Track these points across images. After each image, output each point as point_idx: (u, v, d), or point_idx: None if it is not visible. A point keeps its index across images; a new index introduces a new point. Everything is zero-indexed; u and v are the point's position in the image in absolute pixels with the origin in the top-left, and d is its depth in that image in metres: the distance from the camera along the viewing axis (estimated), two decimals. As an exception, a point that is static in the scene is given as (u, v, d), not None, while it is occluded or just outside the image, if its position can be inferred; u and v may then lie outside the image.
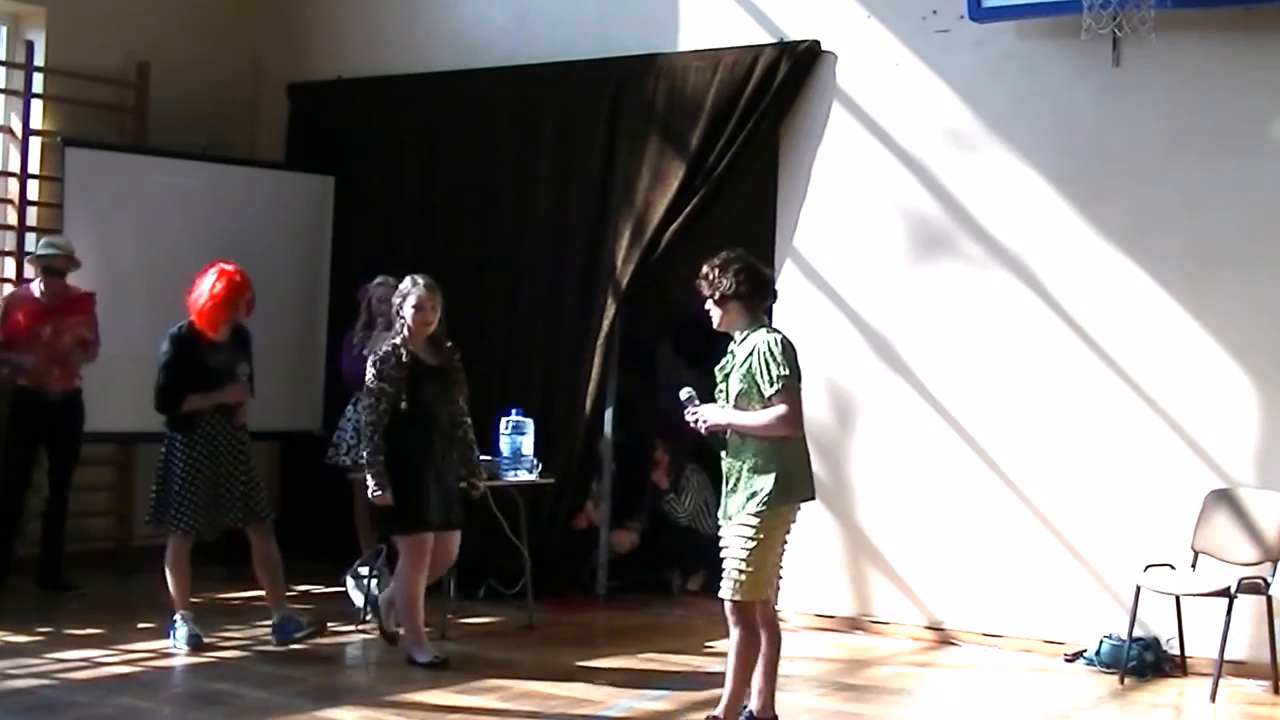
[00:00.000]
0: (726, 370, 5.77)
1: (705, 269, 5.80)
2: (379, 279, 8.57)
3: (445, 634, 7.62)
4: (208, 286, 7.17)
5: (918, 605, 8.07)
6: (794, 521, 5.77)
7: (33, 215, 9.15)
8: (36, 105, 9.19)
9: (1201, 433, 7.41)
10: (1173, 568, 7.19)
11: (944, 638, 7.96)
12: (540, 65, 9.23)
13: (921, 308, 8.10)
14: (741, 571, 5.60)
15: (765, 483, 5.59)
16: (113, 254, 8.84)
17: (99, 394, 8.57)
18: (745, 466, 5.65)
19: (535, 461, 8.09)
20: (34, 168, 9.16)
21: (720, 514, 5.77)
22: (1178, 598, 7.16)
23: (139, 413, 8.48)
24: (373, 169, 9.77)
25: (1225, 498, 7.23)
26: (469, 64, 9.51)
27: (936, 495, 7.99)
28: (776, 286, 5.97)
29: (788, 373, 5.59)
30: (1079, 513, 7.66)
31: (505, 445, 8.01)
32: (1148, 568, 7.14)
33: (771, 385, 5.59)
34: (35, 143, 9.16)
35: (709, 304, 5.79)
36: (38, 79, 9.17)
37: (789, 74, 8.36)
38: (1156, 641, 7.30)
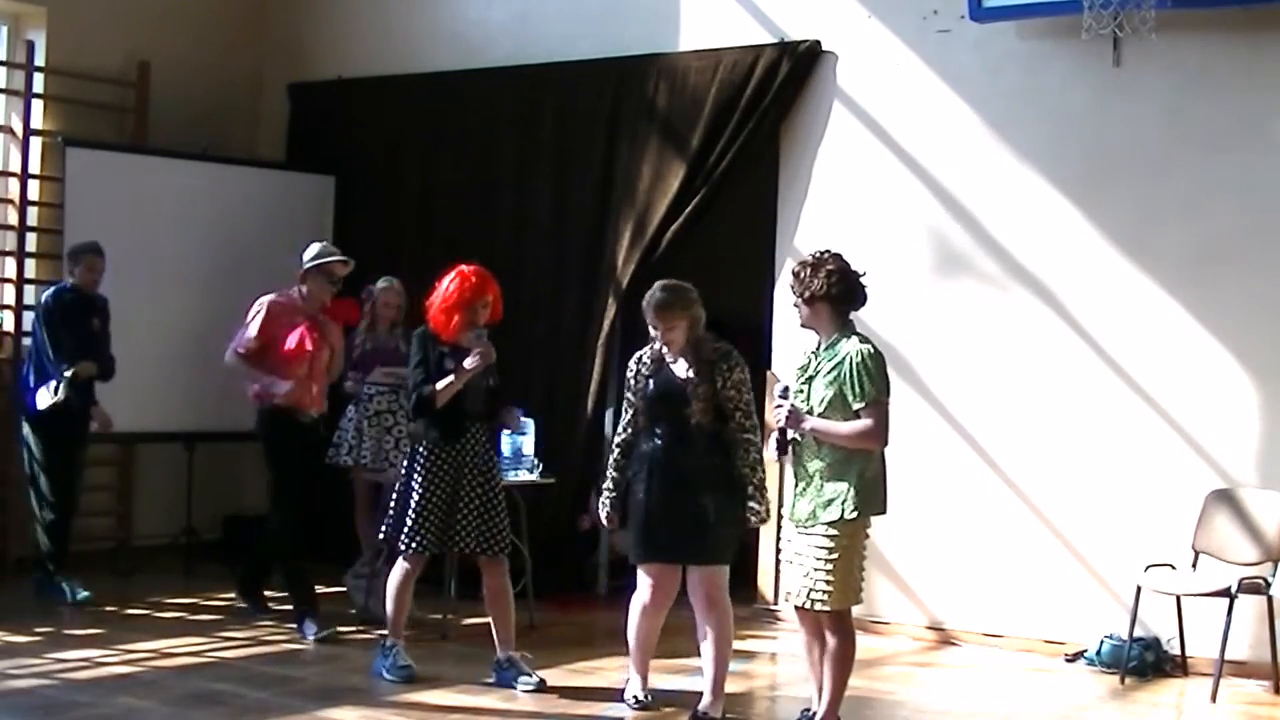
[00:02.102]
0: (810, 374, 5.66)
1: (796, 266, 5.68)
2: (381, 280, 8.56)
3: (446, 634, 7.63)
4: (442, 289, 6.64)
5: (918, 605, 8.07)
6: (869, 528, 5.70)
7: (33, 215, 9.15)
8: (37, 105, 9.18)
9: (1202, 433, 7.41)
10: (1173, 568, 7.19)
11: (944, 638, 7.96)
12: (540, 65, 9.23)
13: (921, 306, 8.10)
14: (828, 583, 5.54)
15: (840, 492, 5.52)
16: (113, 254, 8.78)
17: (99, 395, 8.54)
18: (819, 471, 5.57)
19: (536, 461, 8.10)
20: (34, 168, 9.15)
21: (786, 513, 5.71)
22: (1178, 598, 7.16)
23: (139, 413, 8.52)
24: (373, 169, 9.78)
25: (1226, 498, 7.23)
26: (469, 64, 9.51)
27: (937, 495, 7.99)
28: (868, 291, 5.72)
29: (878, 388, 5.52)
30: (1079, 513, 7.66)
31: (506, 445, 8.00)
32: (1148, 568, 7.14)
33: (860, 400, 5.51)
34: (35, 143, 9.16)
35: (796, 301, 5.70)
36: (38, 79, 9.17)
37: (789, 74, 8.36)
38: (1157, 641, 7.30)
